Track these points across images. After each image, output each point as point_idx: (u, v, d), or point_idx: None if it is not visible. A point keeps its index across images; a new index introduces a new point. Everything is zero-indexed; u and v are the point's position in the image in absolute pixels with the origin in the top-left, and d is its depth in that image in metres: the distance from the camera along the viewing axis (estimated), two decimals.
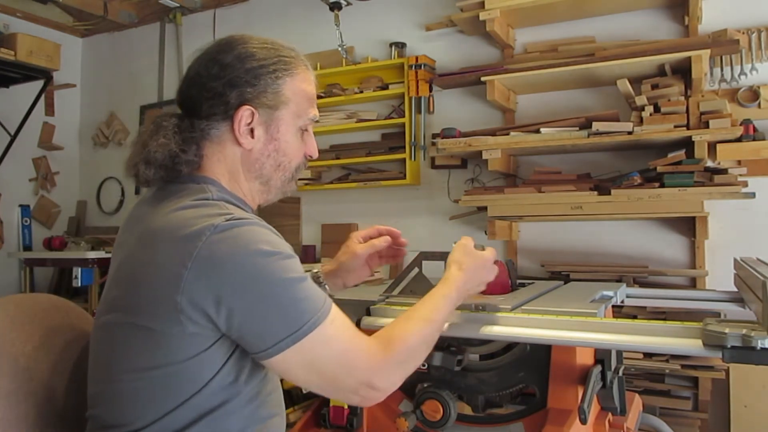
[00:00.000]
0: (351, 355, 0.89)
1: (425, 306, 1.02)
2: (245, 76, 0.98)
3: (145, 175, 0.96)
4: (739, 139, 2.41)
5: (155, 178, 0.96)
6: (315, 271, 1.25)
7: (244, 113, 0.97)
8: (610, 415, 1.27)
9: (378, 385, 0.90)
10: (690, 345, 0.94)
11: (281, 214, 3.60)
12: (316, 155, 1.09)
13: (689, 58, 2.40)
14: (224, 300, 0.83)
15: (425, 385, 1.28)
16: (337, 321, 0.90)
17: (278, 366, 0.87)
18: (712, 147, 2.44)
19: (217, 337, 0.87)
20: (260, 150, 1.01)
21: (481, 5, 2.79)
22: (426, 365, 1.28)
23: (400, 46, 3.29)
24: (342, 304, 1.28)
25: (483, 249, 1.17)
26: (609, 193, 2.45)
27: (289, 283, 0.86)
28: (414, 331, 0.97)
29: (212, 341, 0.87)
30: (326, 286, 1.24)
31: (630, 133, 2.43)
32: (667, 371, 2.42)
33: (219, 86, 0.97)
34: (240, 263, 0.84)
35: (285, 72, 1.00)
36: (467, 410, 1.30)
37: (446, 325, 1.13)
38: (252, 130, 0.99)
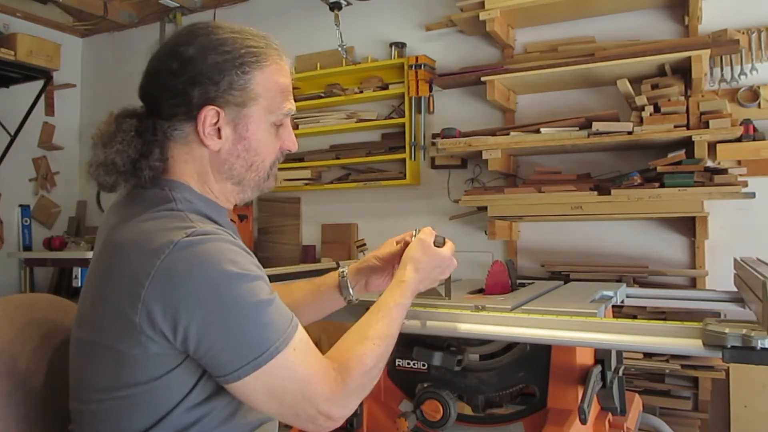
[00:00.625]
0: (311, 384, 0.84)
1: (380, 321, 0.97)
2: (208, 71, 0.89)
3: (106, 181, 0.90)
4: (739, 139, 2.41)
5: (117, 185, 0.91)
6: (342, 271, 1.22)
7: (208, 113, 0.90)
8: (610, 415, 1.27)
9: (335, 415, 0.86)
10: (690, 345, 0.94)
11: (281, 214, 3.61)
12: (294, 148, 1.01)
13: (689, 58, 2.40)
14: (181, 322, 0.79)
15: (425, 385, 1.28)
16: (299, 346, 0.85)
17: (238, 392, 0.83)
18: (712, 147, 2.44)
19: (183, 357, 0.84)
20: (229, 150, 0.93)
21: (481, 5, 2.79)
22: (426, 365, 1.28)
23: (400, 46, 3.29)
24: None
25: (443, 242, 1.13)
26: (609, 193, 2.45)
27: (251, 307, 0.81)
28: (371, 353, 0.92)
29: (180, 360, 0.84)
30: (350, 288, 1.20)
31: (630, 133, 2.43)
32: (667, 371, 2.42)
33: (179, 84, 0.89)
34: (198, 284, 0.79)
35: (253, 65, 0.91)
36: (467, 410, 1.30)
37: (447, 325, 1.13)
38: (219, 130, 0.91)
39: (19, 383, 0.97)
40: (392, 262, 1.19)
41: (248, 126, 0.93)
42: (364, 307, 1.22)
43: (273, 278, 1.61)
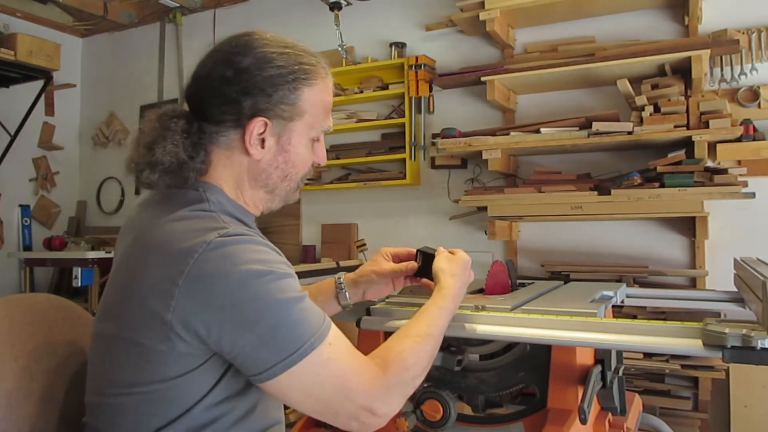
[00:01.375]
0: (349, 379, 0.84)
1: (422, 321, 0.97)
2: (262, 84, 0.91)
3: (149, 179, 0.92)
4: (739, 139, 2.42)
5: (159, 183, 0.92)
6: (339, 278, 1.22)
7: (257, 124, 0.92)
8: (610, 415, 1.27)
9: (378, 410, 0.85)
10: (690, 345, 0.94)
11: (281, 214, 3.60)
12: (324, 163, 1.05)
13: (689, 58, 2.40)
14: (215, 321, 0.80)
15: (425, 385, 1.28)
16: (335, 343, 0.85)
17: (272, 389, 0.83)
18: (712, 147, 2.44)
19: (209, 355, 0.84)
20: (269, 161, 0.96)
21: (481, 5, 2.79)
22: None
23: (400, 46, 3.29)
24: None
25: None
26: (609, 193, 2.45)
27: (284, 305, 0.82)
28: (410, 349, 0.92)
29: (204, 359, 0.84)
30: (347, 294, 1.21)
31: (630, 133, 2.43)
32: (667, 371, 2.42)
33: (233, 93, 0.91)
34: (232, 283, 0.80)
35: (304, 81, 0.94)
36: (467, 410, 1.30)
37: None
38: (263, 140, 0.94)
39: (20, 384, 0.97)
40: (391, 277, 1.21)
41: (291, 139, 0.96)
42: (365, 308, 1.23)
43: None
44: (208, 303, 0.80)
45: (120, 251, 0.95)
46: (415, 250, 1.22)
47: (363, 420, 0.86)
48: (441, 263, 1.10)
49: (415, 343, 0.93)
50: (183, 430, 0.85)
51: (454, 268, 1.09)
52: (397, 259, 1.23)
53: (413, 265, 1.20)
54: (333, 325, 0.87)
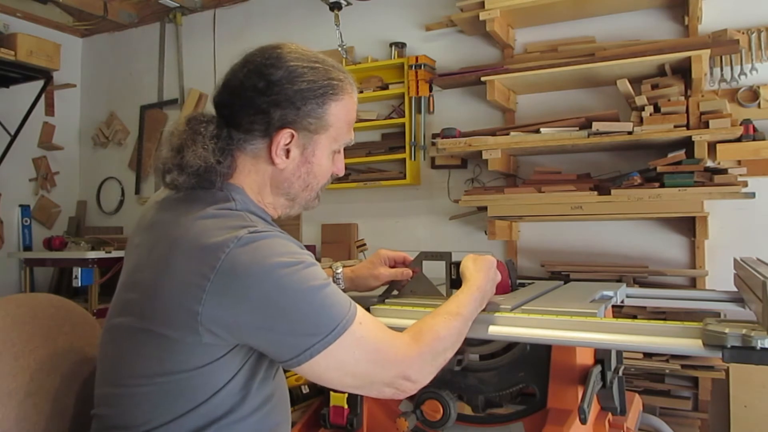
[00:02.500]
0: (383, 351, 0.90)
1: (452, 303, 1.04)
2: (292, 97, 0.95)
3: (177, 181, 0.95)
4: (739, 139, 2.41)
5: (185, 185, 0.95)
6: (337, 270, 1.28)
7: (284, 135, 0.96)
8: (610, 415, 1.27)
9: (413, 376, 0.91)
10: (690, 345, 0.94)
11: None
12: (342, 173, 1.10)
13: (689, 58, 2.40)
14: (247, 313, 0.83)
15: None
16: (365, 321, 0.90)
17: (310, 371, 0.87)
18: (712, 147, 2.44)
19: (232, 346, 0.87)
20: (292, 171, 1.00)
21: (481, 5, 2.79)
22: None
23: (400, 46, 3.29)
24: None
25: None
26: (609, 193, 2.45)
27: (314, 291, 0.86)
28: (443, 324, 0.98)
29: (226, 350, 0.87)
30: (342, 285, 1.27)
31: (630, 133, 2.43)
32: (667, 371, 2.42)
33: (263, 104, 0.95)
34: (263, 276, 0.83)
35: (332, 96, 0.98)
36: (467, 410, 1.30)
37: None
38: (288, 151, 0.98)
39: (21, 383, 0.98)
40: (386, 281, 1.29)
41: (315, 151, 1.00)
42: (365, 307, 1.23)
43: None
44: (242, 296, 0.83)
45: (140, 248, 0.96)
46: (410, 258, 1.29)
47: (398, 386, 0.91)
48: (467, 263, 1.16)
49: (446, 320, 0.99)
50: (201, 419, 0.88)
51: (480, 266, 1.15)
52: (393, 263, 1.29)
53: (408, 272, 1.26)
54: (360, 307, 0.92)
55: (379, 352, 0.89)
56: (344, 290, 1.25)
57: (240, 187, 0.99)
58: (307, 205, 1.08)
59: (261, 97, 0.95)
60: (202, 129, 0.95)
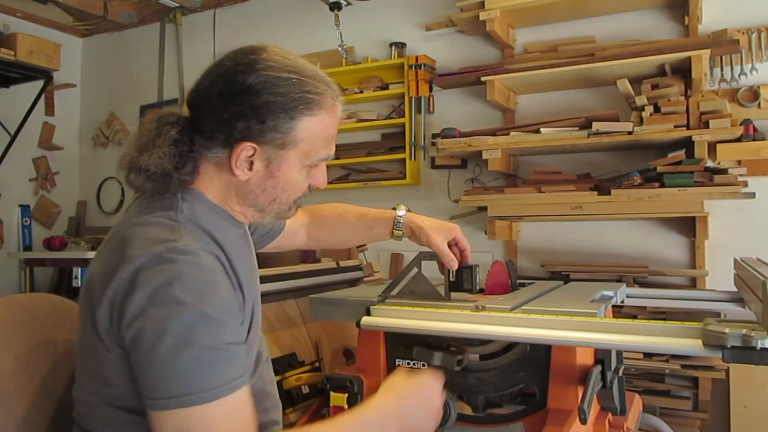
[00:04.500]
0: None
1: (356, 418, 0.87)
2: (259, 109, 0.87)
3: (134, 183, 0.92)
4: (739, 139, 2.41)
5: (144, 188, 0.92)
6: (399, 213, 1.27)
7: (245, 148, 0.89)
8: (610, 415, 1.27)
9: None
10: (690, 345, 0.94)
11: None
12: (323, 186, 1.02)
13: (689, 58, 2.40)
14: (130, 331, 0.79)
15: None
16: (233, 406, 0.79)
17: (152, 422, 0.79)
18: (712, 147, 2.44)
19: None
20: (256, 183, 0.93)
21: (481, 5, 2.79)
22: (426, 365, 1.28)
23: (400, 46, 3.29)
24: (341, 304, 1.30)
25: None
26: (609, 193, 2.45)
27: (191, 346, 0.77)
28: None
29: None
30: (401, 233, 1.26)
31: (630, 133, 2.43)
32: (667, 371, 2.42)
33: (226, 113, 0.88)
34: (155, 304, 0.78)
35: (305, 111, 0.90)
36: (467, 410, 1.30)
37: (447, 325, 1.13)
38: (251, 163, 0.91)
39: (21, 382, 0.98)
40: (434, 252, 1.24)
41: (281, 166, 0.92)
42: (365, 307, 1.23)
43: (273, 278, 1.62)
44: (128, 314, 0.79)
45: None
46: (468, 254, 1.27)
47: None
48: (400, 376, 0.97)
49: None
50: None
51: (413, 389, 0.95)
52: (454, 242, 1.26)
53: (454, 264, 1.22)
54: (243, 390, 0.81)
55: None
56: (400, 236, 1.27)
57: (201, 193, 0.94)
58: (280, 216, 1.00)
59: (225, 106, 0.88)
60: (165, 132, 0.90)
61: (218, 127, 0.89)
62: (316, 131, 0.92)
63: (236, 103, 0.88)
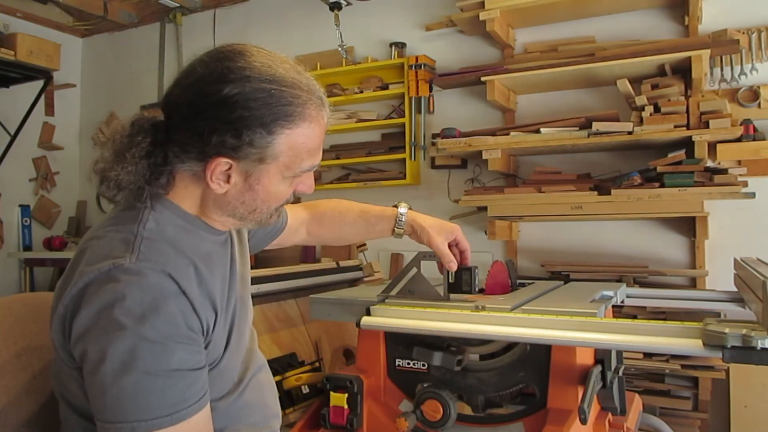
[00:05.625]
0: None
1: None
2: (233, 123, 0.81)
3: (106, 194, 0.87)
4: (739, 139, 2.41)
5: (116, 199, 0.88)
6: (401, 210, 1.27)
7: (220, 163, 0.83)
8: (610, 415, 1.27)
9: None
10: (690, 345, 0.94)
11: None
12: (310, 192, 0.96)
13: (689, 58, 2.40)
14: (75, 352, 0.79)
15: (425, 385, 1.28)
16: None
17: None
18: (712, 147, 2.44)
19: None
20: (235, 195, 0.88)
21: (481, 5, 2.79)
22: (426, 365, 1.28)
23: (400, 46, 3.29)
24: (341, 304, 1.30)
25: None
26: (609, 193, 2.45)
27: (132, 372, 0.74)
28: None
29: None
30: (402, 231, 1.26)
31: (630, 133, 2.43)
32: (667, 371, 2.42)
33: (199, 126, 0.82)
34: (98, 326, 0.76)
35: (284, 125, 0.83)
36: (467, 410, 1.30)
37: (447, 325, 1.13)
38: (229, 176, 0.86)
39: (22, 382, 0.98)
40: (434, 252, 1.23)
41: (260, 180, 0.87)
42: (365, 307, 1.23)
43: (273, 278, 1.62)
44: (77, 330, 0.78)
45: None
46: (468, 255, 1.27)
47: None
48: None
49: None
50: None
51: None
52: (455, 243, 1.25)
53: (454, 265, 1.22)
54: (193, 420, 0.78)
55: None
56: (401, 234, 1.27)
57: (176, 204, 0.89)
58: (261, 223, 0.96)
59: (197, 119, 0.82)
60: (137, 142, 0.84)
61: (191, 140, 0.83)
62: (298, 144, 0.86)
63: (209, 117, 0.81)
